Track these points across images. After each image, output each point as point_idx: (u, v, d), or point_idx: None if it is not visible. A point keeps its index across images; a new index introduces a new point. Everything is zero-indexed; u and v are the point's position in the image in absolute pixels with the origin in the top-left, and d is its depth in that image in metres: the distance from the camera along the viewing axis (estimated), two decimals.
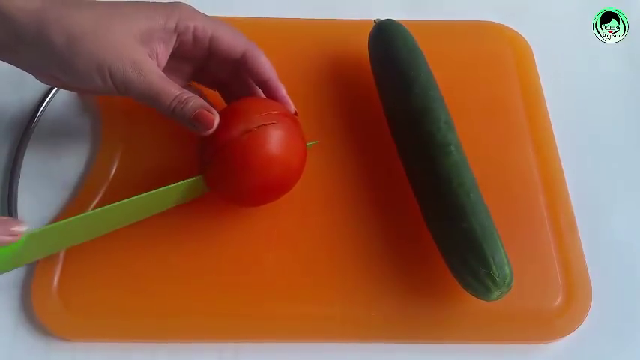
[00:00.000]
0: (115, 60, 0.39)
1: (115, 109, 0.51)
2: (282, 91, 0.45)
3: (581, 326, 0.43)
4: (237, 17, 0.54)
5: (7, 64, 0.41)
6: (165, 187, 0.41)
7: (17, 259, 0.41)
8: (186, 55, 0.45)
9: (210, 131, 0.41)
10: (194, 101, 0.40)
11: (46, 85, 0.51)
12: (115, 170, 0.48)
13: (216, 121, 0.41)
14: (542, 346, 0.44)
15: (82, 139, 0.51)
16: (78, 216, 0.40)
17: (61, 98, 0.52)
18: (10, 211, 0.46)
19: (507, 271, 0.40)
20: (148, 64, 0.40)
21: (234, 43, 0.44)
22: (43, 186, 0.48)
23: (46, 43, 0.38)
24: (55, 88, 0.51)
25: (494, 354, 0.43)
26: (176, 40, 0.43)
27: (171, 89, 0.40)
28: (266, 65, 0.45)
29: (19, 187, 0.48)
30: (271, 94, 0.45)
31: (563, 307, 0.44)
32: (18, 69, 0.41)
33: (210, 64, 0.46)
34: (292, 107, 0.46)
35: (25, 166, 0.49)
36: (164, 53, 0.43)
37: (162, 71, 0.42)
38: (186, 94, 0.41)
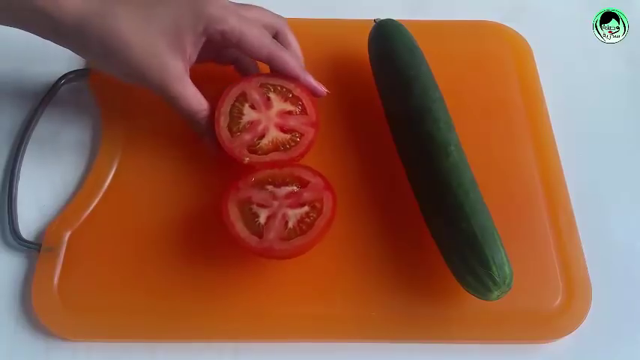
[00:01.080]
0: (147, 69, 0.42)
1: (115, 110, 0.51)
2: (311, 81, 0.47)
3: (581, 326, 0.43)
4: None
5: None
6: None
7: None
8: (212, 45, 0.45)
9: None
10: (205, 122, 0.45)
11: (45, 87, 0.52)
12: (115, 170, 0.48)
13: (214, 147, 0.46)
14: (542, 346, 0.44)
15: (82, 139, 0.51)
16: None
17: (60, 99, 0.52)
18: (10, 211, 0.46)
19: (507, 271, 0.40)
20: (177, 72, 0.43)
21: (259, 45, 0.44)
22: (43, 186, 0.48)
23: (83, 46, 0.42)
24: (53, 89, 0.51)
25: (494, 354, 0.43)
26: (205, 40, 0.44)
27: (196, 106, 0.45)
28: (291, 63, 0.46)
29: (19, 187, 0.48)
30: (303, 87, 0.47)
31: (563, 307, 0.44)
32: (16, 71, 0.41)
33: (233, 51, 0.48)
34: (323, 89, 0.47)
35: (24, 166, 0.49)
36: (193, 53, 0.44)
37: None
38: (203, 113, 0.45)
